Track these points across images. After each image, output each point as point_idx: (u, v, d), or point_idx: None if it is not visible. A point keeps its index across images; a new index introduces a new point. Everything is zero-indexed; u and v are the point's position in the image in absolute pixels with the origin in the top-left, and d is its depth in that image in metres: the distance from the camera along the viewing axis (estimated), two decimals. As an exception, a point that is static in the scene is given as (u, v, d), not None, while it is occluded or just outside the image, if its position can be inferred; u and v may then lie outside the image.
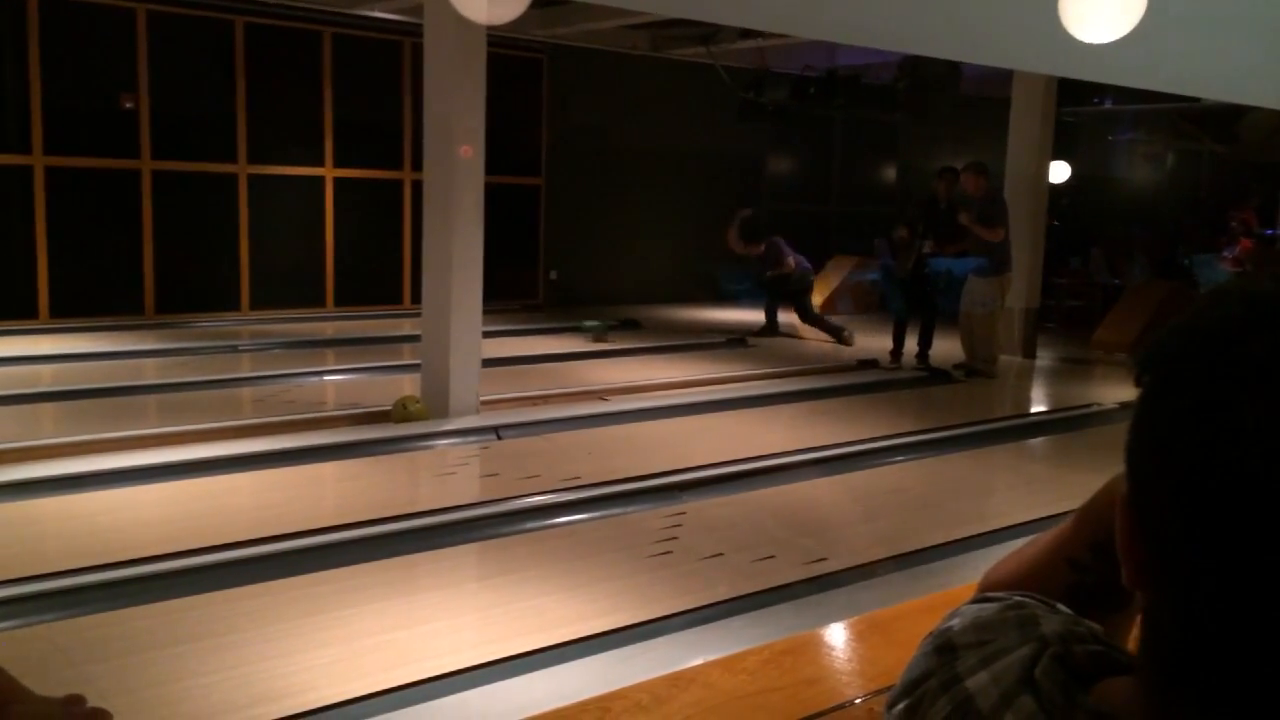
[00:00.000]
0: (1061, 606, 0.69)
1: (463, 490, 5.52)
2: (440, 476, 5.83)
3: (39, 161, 9.67)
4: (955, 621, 0.71)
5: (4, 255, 9.67)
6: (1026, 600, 0.70)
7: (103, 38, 9.93)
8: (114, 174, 10.10)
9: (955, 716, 0.63)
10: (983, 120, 13.14)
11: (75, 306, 9.93)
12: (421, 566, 4.31)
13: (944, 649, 0.68)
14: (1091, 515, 0.77)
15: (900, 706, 0.67)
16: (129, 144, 10.10)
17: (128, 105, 10.08)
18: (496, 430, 6.46)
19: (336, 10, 10.37)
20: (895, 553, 4.57)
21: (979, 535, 4.82)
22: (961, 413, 7.82)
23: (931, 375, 9.20)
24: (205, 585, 3.87)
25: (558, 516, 5.00)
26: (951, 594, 2.17)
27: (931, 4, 5.51)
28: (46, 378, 7.96)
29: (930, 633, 0.72)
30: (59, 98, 9.67)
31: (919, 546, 4.67)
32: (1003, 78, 10.99)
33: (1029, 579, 0.79)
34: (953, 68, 11.39)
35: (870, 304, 13.66)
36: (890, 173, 16.29)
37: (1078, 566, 0.77)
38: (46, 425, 6.64)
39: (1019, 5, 5.26)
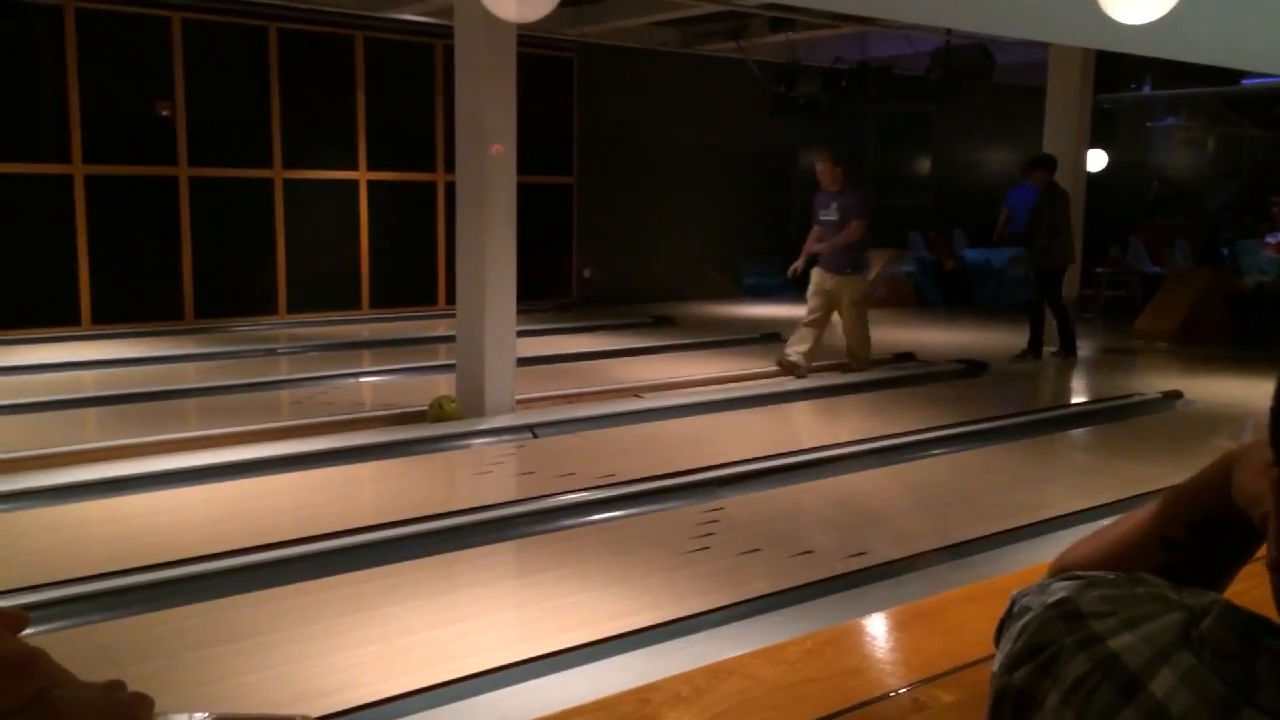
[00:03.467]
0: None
1: (499, 489, 5.53)
2: (477, 475, 5.84)
3: (78, 170, 9.80)
4: (1065, 592, 0.68)
5: (46, 263, 9.81)
6: (1145, 576, 0.69)
7: (139, 46, 10.05)
8: (152, 181, 10.22)
9: (1098, 671, 0.61)
10: (1018, 109, 13.01)
11: (116, 312, 10.07)
12: (459, 565, 4.32)
13: (1070, 615, 0.66)
14: (1190, 494, 0.76)
15: (1026, 668, 0.65)
16: (166, 151, 10.22)
17: (164, 113, 10.20)
18: (532, 429, 6.47)
19: (368, 14, 10.44)
20: (935, 546, 4.52)
21: (1022, 527, 4.76)
22: (1001, 405, 7.74)
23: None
24: (247, 585, 3.89)
25: (594, 514, 5.00)
26: (997, 582, 2.14)
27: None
28: (89, 383, 8.07)
29: (1030, 605, 0.69)
30: (97, 107, 9.81)
31: (960, 539, 4.62)
32: (1037, 66, 10.88)
33: (1114, 558, 0.77)
34: (986, 57, 11.27)
35: (905, 296, 13.56)
36: (924, 164, 16.16)
37: (1171, 545, 0.76)
38: (90, 430, 6.73)
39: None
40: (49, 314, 9.78)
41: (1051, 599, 0.68)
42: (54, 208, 9.77)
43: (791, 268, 8.56)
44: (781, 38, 11.75)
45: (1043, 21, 6.20)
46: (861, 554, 4.42)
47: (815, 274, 8.38)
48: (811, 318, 8.33)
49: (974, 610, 1.71)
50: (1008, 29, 7.05)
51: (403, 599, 3.86)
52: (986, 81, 11.55)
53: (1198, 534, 0.75)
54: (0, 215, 9.51)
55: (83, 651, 3.39)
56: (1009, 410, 7.45)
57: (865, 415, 7.20)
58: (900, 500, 5.46)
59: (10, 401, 6.99)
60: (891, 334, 11.01)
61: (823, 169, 8.39)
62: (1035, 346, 9.65)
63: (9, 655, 0.52)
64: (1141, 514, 0.80)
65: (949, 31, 11.30)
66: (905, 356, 9.53)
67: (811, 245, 8.42)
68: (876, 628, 1.89)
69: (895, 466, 5.98)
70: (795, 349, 8.29)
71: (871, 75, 12.00)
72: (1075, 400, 8.79)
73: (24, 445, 5.74)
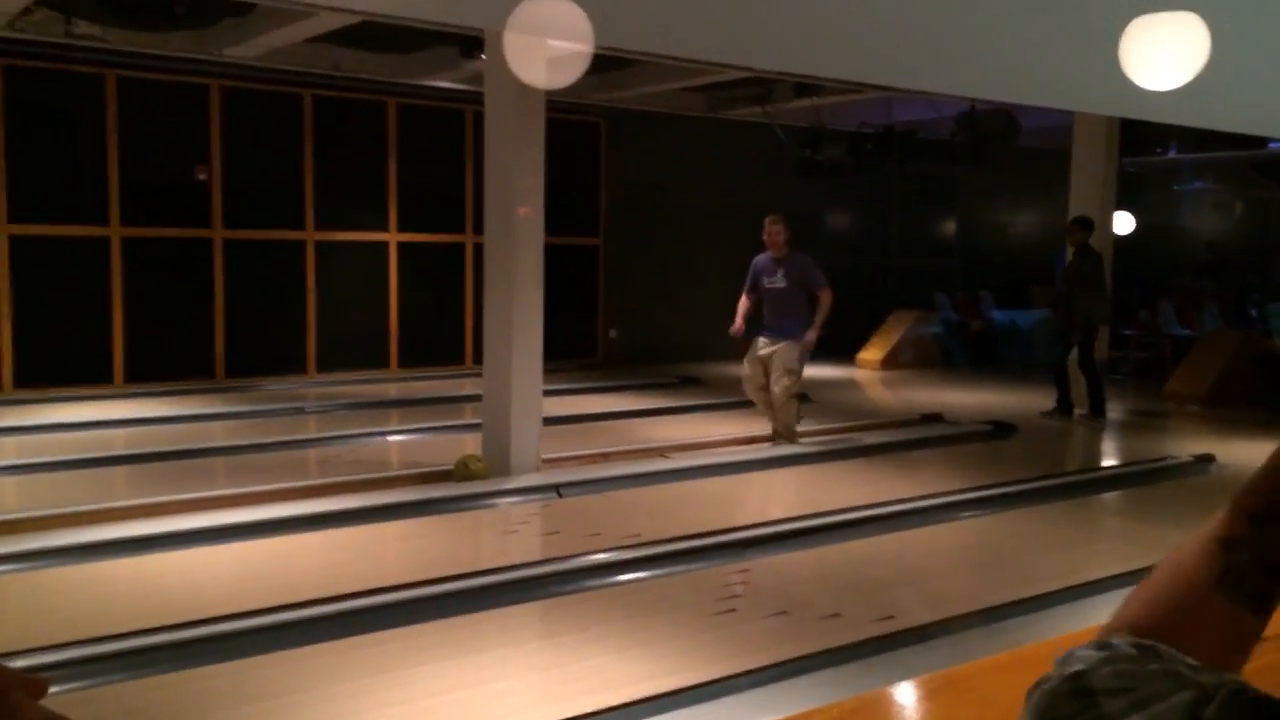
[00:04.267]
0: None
1: (525, 548, 5.52)
2: (502, 535, 5.83)
3: (116, 233, 10.00)
4: (1081, 665, 0.68)
5: (82, 323, 9.97)
6: (1162, 649, 0.68)
7: (178, 113, 10.29)
8: (187, 243, 10.40)
9: None
10: (1044, 172, 13.05)
11: (148, 372, 10.19)
12: (484, 625, 4.30)
13: (1081, 693, 0.65)
14: (1252, 486, 0.74)
15: None
16: (201, 214, 10.42)
17: (201, 177, 10.41)
18: (558, 488, 6.46)
19: (401, 81, 10.66)
20: (966, 610, 4.46)
21: (1055, 592, 4.69)
22: (1030, 467, 7.66)
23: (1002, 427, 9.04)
24: (272, 645, 3.89)
25: (620, 574, 4.97)
26: (1030, 651, 2.11)
27: (993, 49, 5.50)
28: (120, 441, 8.14)
29: (1054, 676, 0.69)
30: (136, 171, 10.03)
31: (991, 604, 4.55)
32: (1063, 129, 10.92)
33: (1171, 593, 0.76)
34: (1011, 120, 11.34)
35: (932, 357, 13.52)
36: (949, 226, 16.20)
37: (1233, 545, 0.74)
38: (120, 488, 6.77)
39: (1079, 47, 5.24)
40: (83, 373, 9.91)
41: (1069, 670, 0.68)
42: (91, 269, 9.95)
43: (733, 329, 7.96)
44: (806, 102, 11.89)
45: (1067, 91, 6.24)
46: (890, 618, 4.37)
47: (758, 341, 7.89)
48: (757, 389, 7.90)
49: (1006, 680, 1.68)
50: (1032, 98, 7.10)
51: (428, 660, 3.84)
52: (1011, 145, 11.61)
53: (1261, 525, 0.72)
54: (39, 276, 9.69)
55: (108, 713, 3.39)
56: (1039, 473, 7.38)
57: (893, 477, 7.15)
58: (930, 563, 5.40)
59: (43, 460, 7.08)
60: (918, 395, 10.98)
61: (773, 232, 7.89)
62: (1064, 405, 9.59)
63: (33, 717, 0.53)
64: (1201, 530, 0.79)
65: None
66: (933, 418, 9.48)
67: (741, 319, 7.91)
68: (905, 697, 1.87)
69: (924, 529, 5.92)
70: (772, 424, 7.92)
71: (896, 139, 12.10)
72: (1106, 463, 8.69)
73: (55, 503, 5.79)
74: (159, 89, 10.04)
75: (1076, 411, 9.55)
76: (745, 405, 10.15)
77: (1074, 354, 9.52)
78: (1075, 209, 10.10)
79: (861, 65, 6.28)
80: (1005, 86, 6.35)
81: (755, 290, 8.03)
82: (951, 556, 5.47)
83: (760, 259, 8.04)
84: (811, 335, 7.71)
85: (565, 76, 5.20)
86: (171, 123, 10.31)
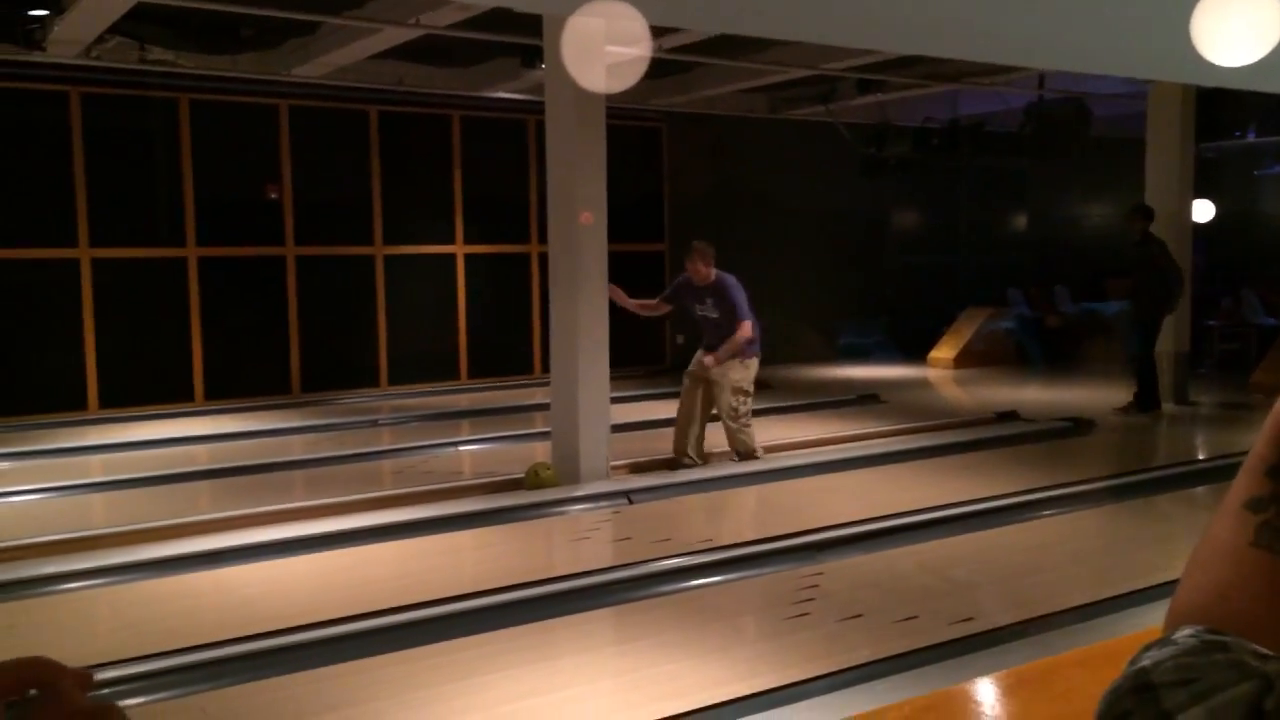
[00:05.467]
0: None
1: (596, 555, 5.52)
2: (574, 542, 5.84)
3: (192, 253, 10.25)
4: (1147, 661, 0.65)
5: (162, 343, 10.23)
6: (1229, 640, 0.65)
7: (248, 133, 10.53)
8: (260, 261, 10.63)
9: None
10: (1118, 162, 12.74)
11: (227, 389, 10.42)
12: (557, 632, 4.30)
13: (1142, 688, 0.63)
14: (1261, 449, 0.71)
15: None
16: (274, 232, 10.64)
17: (272, 195, 10.63)
18: (628, 494, 6.46)
19: (464, 94, 10.78)
20: (1046, 611, 4.36)
21: (1138, 591, 4.56)
22: (1110, 463, 7.47)
23: (1080, 423, 8.83)
24: (348, 654, 3.94)
25: (692, 579, 4.95)
26: (1108, 646, 2.05)
27: (1066, 19, 5.39)
28: (202, 457, 8.33)
29: (1120, 677, 0.66)
30: (209, 191, 10.28)
31: (1072, 604, 4.44)
32: (1136, 117, 10.66)
33: (1211, 556, 0.73)
34: (1081, 109, 11.10)
35: (1005, 354, 13.27)
36: (1020, 220, 15.90)
37: (1258, 503, 0.71)
38: (202, 502, 6.92)
39: (1150, 15, 5.10)
40: (165, 391, 10.17)
41: (1133, 667, 0.65)
42: (169, 289, 10.21)
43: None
44: (870, 99, 11.76)
45: (1138, 58, 6.10)
46: (969, 620, 4.28)
47: (698, 359, 7.29)
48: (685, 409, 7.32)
49: (1084, 676, 1.64)
50: (1103, 66, 6.93)
51: (501, 667, 3.85)
52: (1083, 135, 11.35)
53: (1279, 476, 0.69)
54: (120, 298, 9.97)
55: None
56: (1118, 469, 7.19)
57: (968, 476, 7.02)
58: (1008, 564, 5.28)
59: (128, 477, 7.26)
60: (993, 392, 10.78)
61: (694, 265, 7.06)
62: (1144, 399, 9.36)
63: (84, 708, 0.57)
64: (1223, 504, 0.75)
65: (1042, 86, 11.17)
66: (1008, 415, 9.30)
67: (635, 306, 7.29)
68: (981, 693, 1.82)
69: (1002, 529, 5.80)
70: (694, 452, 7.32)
71: (963, 133, 11.91)
72: (1189, 458, 8.45)
73: (140, 519, 5.94)
74: (230, 110, 10.28)
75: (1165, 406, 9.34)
76: (813, 408, 10.08)
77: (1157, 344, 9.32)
78: (1151, 198, 9.84)
79: (930, 39, 6.21)
80: (1073, 57, 6.22)
81: (673, 303, 7.43)
82: (1030, 556, 5.35)
83: (683, 279, 7.33)
84: (709, 360, 7.03)
85: (624, 81, 5.19)
86: (243, 143, 10.55)
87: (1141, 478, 6.95)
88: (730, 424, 7.16)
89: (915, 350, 13.40)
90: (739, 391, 7.11)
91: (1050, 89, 11.20)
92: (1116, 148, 12.21)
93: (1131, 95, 10.69)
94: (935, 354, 13.22)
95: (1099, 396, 10.23)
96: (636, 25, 4.84)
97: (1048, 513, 6.15)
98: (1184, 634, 0.68)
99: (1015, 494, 6.38)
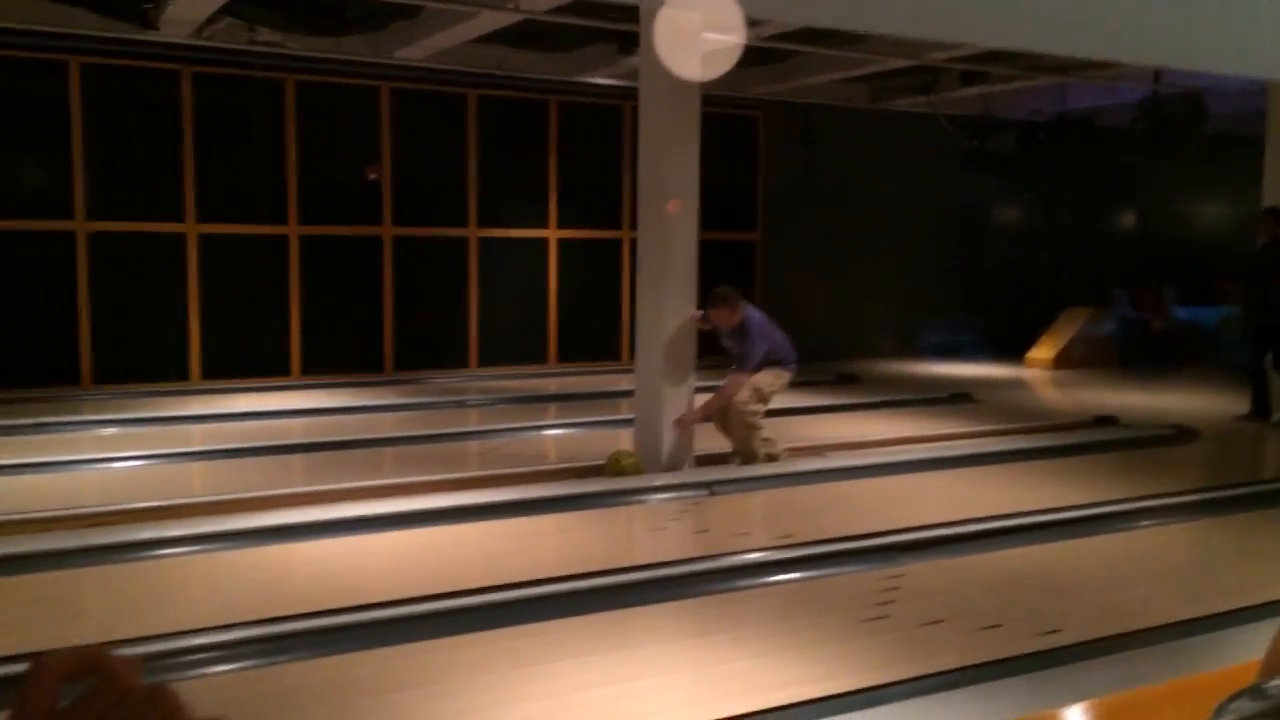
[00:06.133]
0: None
1: (674, 546, 5.49)
2: (652, 531, 5.82)
3: (294, 231, 10.49)
4: (1233, 716, 0.60)
5: (262, 318, 10.50)
6: None
7: (351, 114, 10.72)
8: (359, 241, 10.83)
9: None
10: (1233, 160, 12.21)
11: (322, 364, 10.66)
12: (632, 622, 4.29)
13: None
14: None
15: None
16: (372, 212, 10.83)
17: (372, 176, 10.82)
18: (710, 486, 6.42)
19: (562, 79, 10.81)
20: (1138, 627, 4.19)
21: (1237, 610, 4.36)
22: (1214, 474, 7.18)
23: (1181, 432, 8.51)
24: (423, 633, 3.98)
25: (770, 575, 4.89)
26: (1199, 680, 1.94)
27: (1184, 16, 5.18)
28: (297, 431, 8.53)
29: None
30: (311, 171, 10.50)
31: (1167, 621, 4.27)
32: (1256, 115, 10.19)
33: None
34: (1197, 105, 10.66)
35: (1107, 357, 12.85)
36: (1128, 218, 15.36)
37: None
38: (294, 475, 7.09)
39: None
40: (263, 365, 10.44)
41: (1219, 719, 0.60)
42: (271, 266, 10.47)
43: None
44: (974, 91, 11.48)
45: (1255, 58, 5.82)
46: (1055, 631, 4.14)
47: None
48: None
49: (1171, 714, 1.55)
50: (1219, 66, 6.64)
51: (573, 654, 3.86)
52: (1199, 131, 10.91)
53: None
54: (223, 273, 10.26)
55: (264, 692, 3.54)
56: (1223, 480, 6.90)
57: (1063, 482, 6.81)
58: (1100, 574, 5.10)
59: (225, 446, 7.47)
60: (1092, 396, 10.46)
61: (718, 310, 6.70)
62: (1259, 408, 8.97)
63: (138, 687, 0.61)
64: None
65: (1157, 79, 10.76)
66: (1107, 420, 9.00)
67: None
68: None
69: (1096, 538, 5.61)
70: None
71: (1071, 127, 11.54)
72: (1302, 472, 8.08)
73: (236, 489, 6.11)
74: (333, 91, 10.48)
75: (1275, 416, 8.92)
76: (905, 404, 9.89)
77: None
78: (1271, 197, 9.40)
79: (1047, 37, 6.03)
80: (1191, 56, 5.98)
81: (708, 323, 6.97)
82: (1125, 568, 5.16)
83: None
84: (686, 417, 6.74)
85: (717, 69, 5.12)
86: (345, 124, 10.75)
87: (1243, 491, 6.66)
88: (736, 422, 6.83)
89: (1011, 349, 13.05)
90: (757, 393, 6.79)
91: (1166, 83, 10.78)
92: (1234, 145, 11.70)
93: (1251, 91, 10.23)
94: (1033, 354, 12.86)
95: (1203, 404, 9.85)
96: (731, 14, 4.77)
97: (1144, 524, 5.93)
98: (1273, 685, 0.63)
99: (1109, 502, 6.17)
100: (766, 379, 6.86)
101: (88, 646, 0.63)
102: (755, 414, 6.85)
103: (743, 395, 6.80)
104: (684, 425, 6.77)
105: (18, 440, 7.49)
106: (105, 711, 0.60)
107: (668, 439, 6.71)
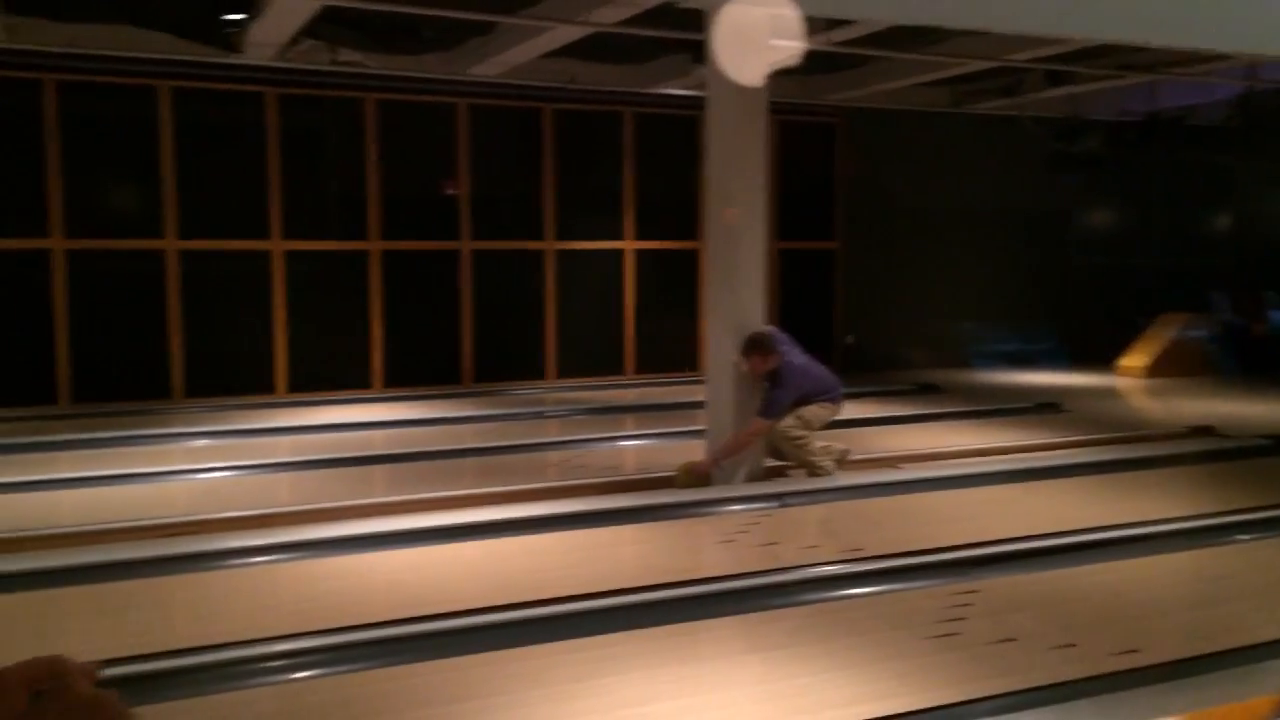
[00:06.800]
0: None
1: (741, 558, 5.41)
2: (720, 544, 5.76)
3: (375, 246, 10.69)
4: None
5: (345, 332, 10.72)
6: None
7: (429, 131, 10.89)
8: (438, 255, 10.99)
9: None
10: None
11: (404, 377, 10.83)
12: (692, 636, 4.24)
13: None
14: None
15: None
16: (450, 227, 10.98)
17: (450, 191, 10.97)
18: (780, 497, 6.33)
19: (635, 90, 10.83)
20: (1223, 648, 4.00)
21: (1333, 631, 4.13)
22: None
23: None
24: (484, 644, 3.98)
25: (838, 589, 4.79)
26: (1251, 707, 1.83)
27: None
28: (379, 442, 8.66)
29: None
30: (391, 188, 10.69)
31: (1255, 641, 4.06)
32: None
33: None
34: (1297, 100, 10.22)
35: (1203, 364, 12.37)
36: (1224, 220, 14.78)
37: None
38: (378, 485, 7.19)
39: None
40: (347, 378, 10.66)
41: None
42: (353, 281, 10.69)
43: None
44: (1061, 92, 11.18)
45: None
46: (1134, 651, 3.97)
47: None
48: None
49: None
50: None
51: (631, 668, 3.82)
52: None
53: None
54: (308, 288, 10.50)
55: (323, 703, 3.57)
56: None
57: (1151, 494, 6.56)
58: (1186, 592, 4.89)
59: (310, 458, 7.63)
60: (1188, 405, 10.09)
61: (751, 359, 6.58)
62: None
63: (85, 695, 0.67)
64: None
65: (1252, 75, 10.35)
66: (1203, 430, 8.65)
67: None
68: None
69: (1183, 553, 5.38)
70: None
71: (1161, 126, 11.17)
72: None
73: (319, 499, 6.22)
74: (412, 109, 10.66)
75: None
76: (988, 414, 9.65)
77: None
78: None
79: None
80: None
81: None
82: (1217, 585, 4.94)
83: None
84: (703, 464, 6.65)
85: (755, 70, 5.02)
86: (423, 140, 10.93)
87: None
88: (783, 445, 6.74)
89: (1102, 357, 12.65)
90: (802, 421, 6.68)
91: (1262, 79, 10.35)
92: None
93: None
94: (1125, 362, 12.45)
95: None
96: (791, 17, 4.71)
97: (1240, 538, 5.67)
98: None
99: (1202, 516, 5.92)
100: (813, 410, 6.73)
101: (52, 657, 0.69)
102: (800, 438, 6.70)
103: (787, 421, 6.65)
104: (703, 469, 6.60)
105: (111, 452, 7.75)
106: (62, 713, 0.65)
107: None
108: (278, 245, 10.34)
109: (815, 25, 8.29)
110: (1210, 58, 9.48)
